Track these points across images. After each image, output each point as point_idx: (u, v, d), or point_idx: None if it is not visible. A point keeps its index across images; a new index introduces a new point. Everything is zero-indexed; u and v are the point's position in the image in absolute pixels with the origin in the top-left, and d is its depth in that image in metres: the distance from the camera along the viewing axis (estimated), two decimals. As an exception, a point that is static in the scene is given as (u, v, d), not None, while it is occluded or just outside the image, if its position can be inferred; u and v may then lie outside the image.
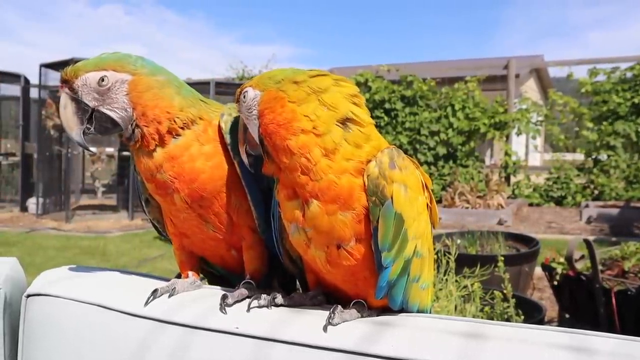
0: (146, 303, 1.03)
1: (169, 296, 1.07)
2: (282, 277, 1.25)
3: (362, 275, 0.96)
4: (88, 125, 1.05)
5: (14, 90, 12.12)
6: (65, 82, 1.03)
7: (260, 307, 0.98)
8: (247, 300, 1.01)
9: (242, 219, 1.12)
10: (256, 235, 1.14)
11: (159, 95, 1.04)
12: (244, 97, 0.98)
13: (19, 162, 12.04)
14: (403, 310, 1.01)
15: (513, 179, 12.93)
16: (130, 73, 1.03)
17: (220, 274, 1.32)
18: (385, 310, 1.00)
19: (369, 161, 0.91)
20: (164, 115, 1.03)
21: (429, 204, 1.02)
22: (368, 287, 0.97)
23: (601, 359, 0.76)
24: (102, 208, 11.61)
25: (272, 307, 0.99)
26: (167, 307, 1.02)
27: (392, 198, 0.89)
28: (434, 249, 3.65)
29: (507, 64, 13.45)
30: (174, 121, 1.04)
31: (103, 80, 1.02)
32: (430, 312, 1.08)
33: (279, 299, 1.00)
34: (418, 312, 1.02)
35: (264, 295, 1.00)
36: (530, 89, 19.24)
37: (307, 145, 0.89)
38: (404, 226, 0.91)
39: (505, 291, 3.26)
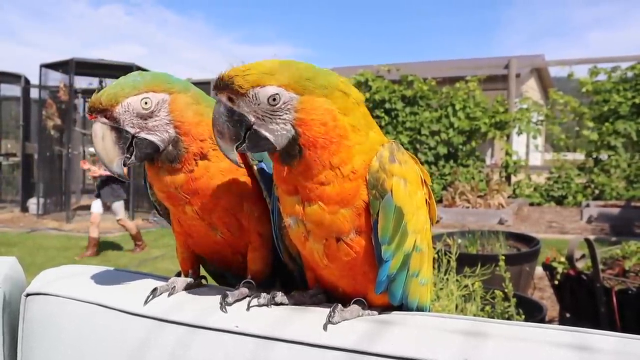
0: (146, 302, 1.03)
1: (169, 295, 1.06)
2: (283, 278, 1.24)
3: (361, 270, 0.96)
4: (127, 155, 0.98)
5: (15, 90, 12.13)
6: (101, 111, 0.96)
7: (260, 305, 0.98)
8: (248, 299, 1.00)
9: (253, 224, 1.12)
10: (263, 239, 1.13)
11: (199, 111, 1.01)
12: (273, 100, 0.85)
13: (20, 163, 12.06)
14: (403, 306, 1.01)
15: (514, 179, 12.92)
16: (167, 92, 1.00)
17: (220, 274, 1.31)
18: (386, 308, 0.99)
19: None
20: (207, 132, 0.99)
21: (428, 199, 1.02)
22: (367, 282, 0.96)
23: (602, 357, 0.76)
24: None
25: (272, 305, 0.99)
26: (167, 306, 1.02)
27: (391, 191, 0.89)
28: (435, 248, 3.65)
29: (507, 64, 13.45)
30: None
31: (147, 103, 0.97)
32: (429, 310, 1.07)
33: (279, 297, 1.00)
34: (417, 308, 1.02)
35: (263, 294, 0.99)
36: (531, 88, 19.23)
37: (349, 160, 0.88)
38: (404, 220, 0.91)
39: (506, 290, 3.26)
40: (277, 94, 0.84)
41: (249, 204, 1.10)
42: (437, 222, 10.04)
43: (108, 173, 6.71)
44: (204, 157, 1.03)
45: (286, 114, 0.86)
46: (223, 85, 0.86)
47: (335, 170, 0.87)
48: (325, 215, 0.90)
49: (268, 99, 0.85)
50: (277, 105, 0.85)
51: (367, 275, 0.96)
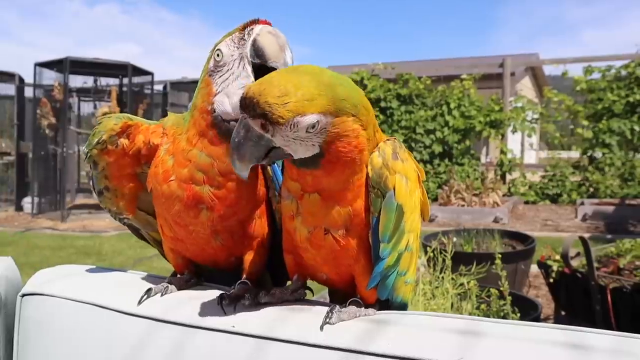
0: (139, 302, 1.03)
1: (162, 295, 1.06)
2: (273, 270, 1.23)
3: (345, 262, 0.95)
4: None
5: (9, 89, 12.07)
6: (262, 116, 0.82)
7: (247, 306, 0.98)
8: (243, 299, 1.00)
9: (256, 230, 1.10)
10: (263, 242, 1.12)
11: None
12: (312, 127, 0.79)
13: (14, 162, 12.00)
14: (388, 301, 1.00)
15: (509, 177, 12.95)
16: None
17: (208, 272, 1.30)
18: (383, 307, 1.00)
19: None
20: None
21: (421, 197, 1.02)
22: (350, 273, 0.96)
23: (597, 356, 0.76)
24: (97, 207, 11.54)
25: (258, 305, 0.98)
26: (163, 306, 1.02)
27: (394, 189, 0.89)
28: (430, 246, 3.64)
29: (502, 62, 13.46)
30: None
31: (314, 126, 0.96)
32: (407, 306, 1.07)
33: (262, 297, 0.99)
34: (401, 303, 1.02)
35: (247, 295, 0.99)
36: (526, 87, 19.29)
37: (360, 169, 0.88)
38: (404, 218, 0.91)
39: (501, 289, 3.27)
40: (317, 121, 0.78)
41: (258, 210, 1.09)
42: (432, 220, 9.99)
43: None
44: None
45: (318, 137, 0.80)
46: (257, 114, 0.76)
47: (345, 180, 0.88)
48: (321, 209, 0.90)
49: (307, 127, 0.78)
50: (314, 131, 0.79)
51: (351, 267, 0.96)
